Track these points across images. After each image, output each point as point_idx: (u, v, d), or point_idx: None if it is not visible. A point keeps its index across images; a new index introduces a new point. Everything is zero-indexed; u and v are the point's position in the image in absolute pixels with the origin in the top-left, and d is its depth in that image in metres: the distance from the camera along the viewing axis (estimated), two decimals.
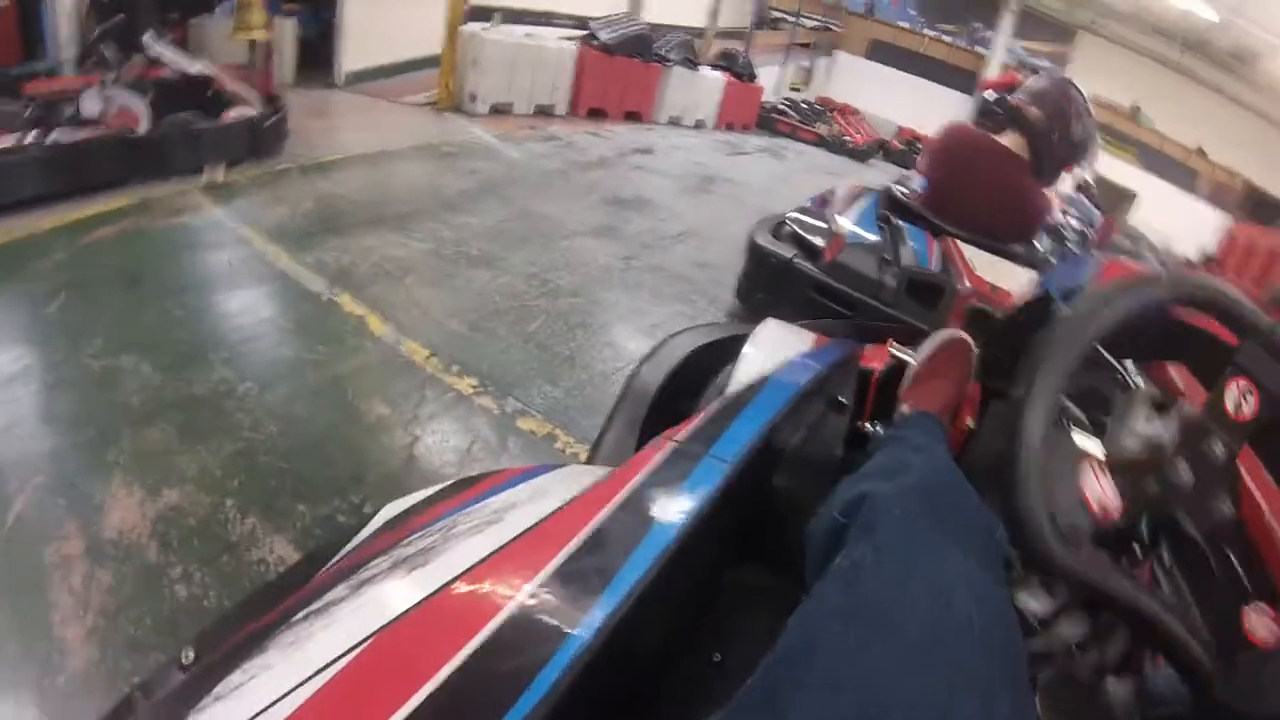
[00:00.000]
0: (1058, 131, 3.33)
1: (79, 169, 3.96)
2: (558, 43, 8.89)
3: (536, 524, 0.84)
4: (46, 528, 1.87)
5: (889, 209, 3.64)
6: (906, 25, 16.75)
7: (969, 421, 1.41)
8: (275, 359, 2.78)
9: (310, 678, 0.63)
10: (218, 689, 0.64)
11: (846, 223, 3.41)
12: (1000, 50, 15.59)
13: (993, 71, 15.25)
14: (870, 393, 1.51)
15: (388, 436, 2.47)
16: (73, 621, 1.64)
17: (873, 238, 3.29)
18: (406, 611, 0.70)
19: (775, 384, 1.29)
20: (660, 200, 6.27)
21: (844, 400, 1.33)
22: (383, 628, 0.68)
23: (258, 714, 0.59)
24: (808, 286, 3.16)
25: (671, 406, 1.64)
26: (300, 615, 0.72)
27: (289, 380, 2.65)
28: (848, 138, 13.26)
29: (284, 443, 2.33)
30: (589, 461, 1.47)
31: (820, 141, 12.94)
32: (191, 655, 0.72)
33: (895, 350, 1.60)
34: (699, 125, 11.31)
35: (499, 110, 8.15)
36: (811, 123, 13.35)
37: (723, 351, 1.83)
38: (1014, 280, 3.07)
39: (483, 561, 0.76)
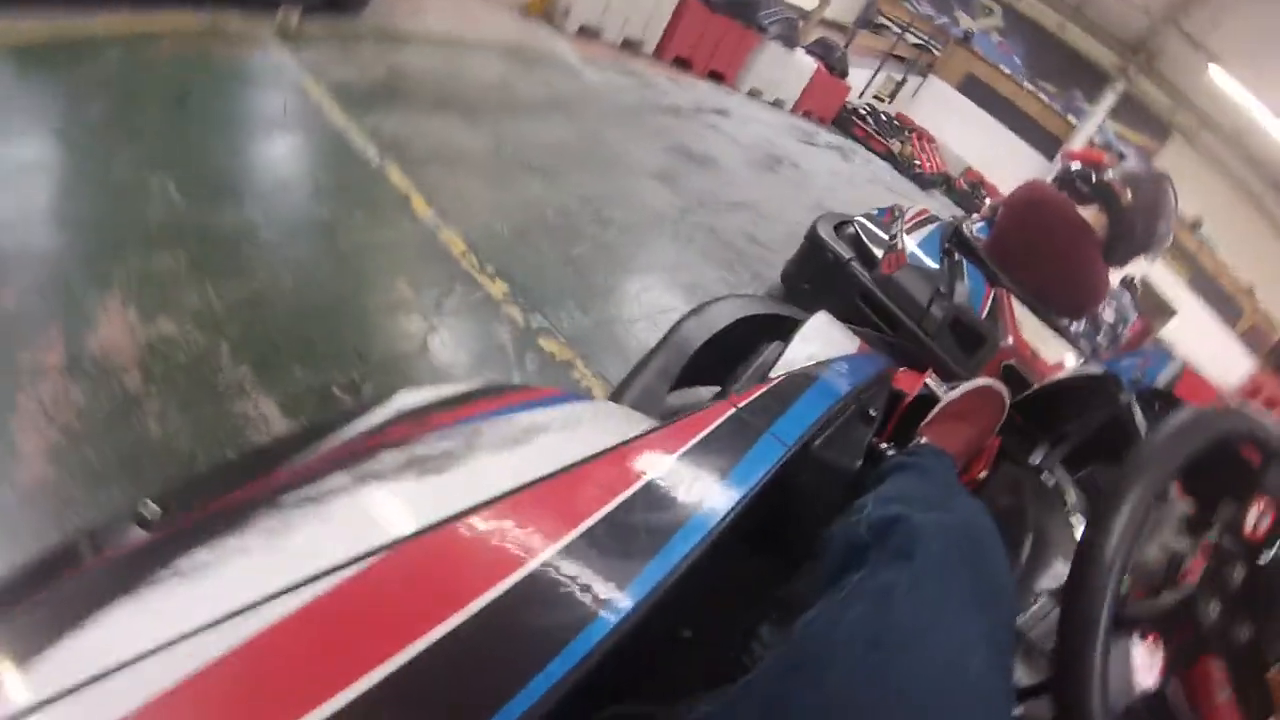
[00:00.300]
0: (1142, 223, 3.32)
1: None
2: None
3: (578, 464, 0.77)
4: (28, 330, 1.72)
5: (954, 243, 3.59)
6: (1007, 70, 16.34)
7: (981, 473, 1.40)
8: (308, 214, 2.65)
9: (293, 587, 0.53)
10: (180, 562, 0.54)
11: (911, 242, 3.33)
12: (1093, 125, 15.24)
13: (1079, 143, 14.96)
14: (896, 415, 1.50)
15: (404, 320, 2.38)
16: (32, 433, 1.52)
17: (933, 265, 3.23)
18: (422, 532, 0.61)
19: (829, 378, 1.28)
20: (726, 165, 6.13)
21: (874, 414, 1.30)
22: (390, 544, 0.59)
23: (225, 618, 0.49)
24: (855, 292, 3.10)
25: (705, 368, 1.62)
26: (290, 498, 0.63)
27: (317, 239, 2.53)
28: (917, 161, 13.02)
29: (296, 300, 2.20)
30: (611, 399, 1.43)
31: (889, 157, 12.70)
32: (154, 510, 0.62)
33: (931, 382, 1.60)
34: (777, 104, 11.06)
35: (587, 32, 7.90)
36: (886, 136, 13.07)
37: (766, 327, 1.82)
38: (1052, 352, 3.06)
39: (515, 492, 0.69)
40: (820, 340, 1.58)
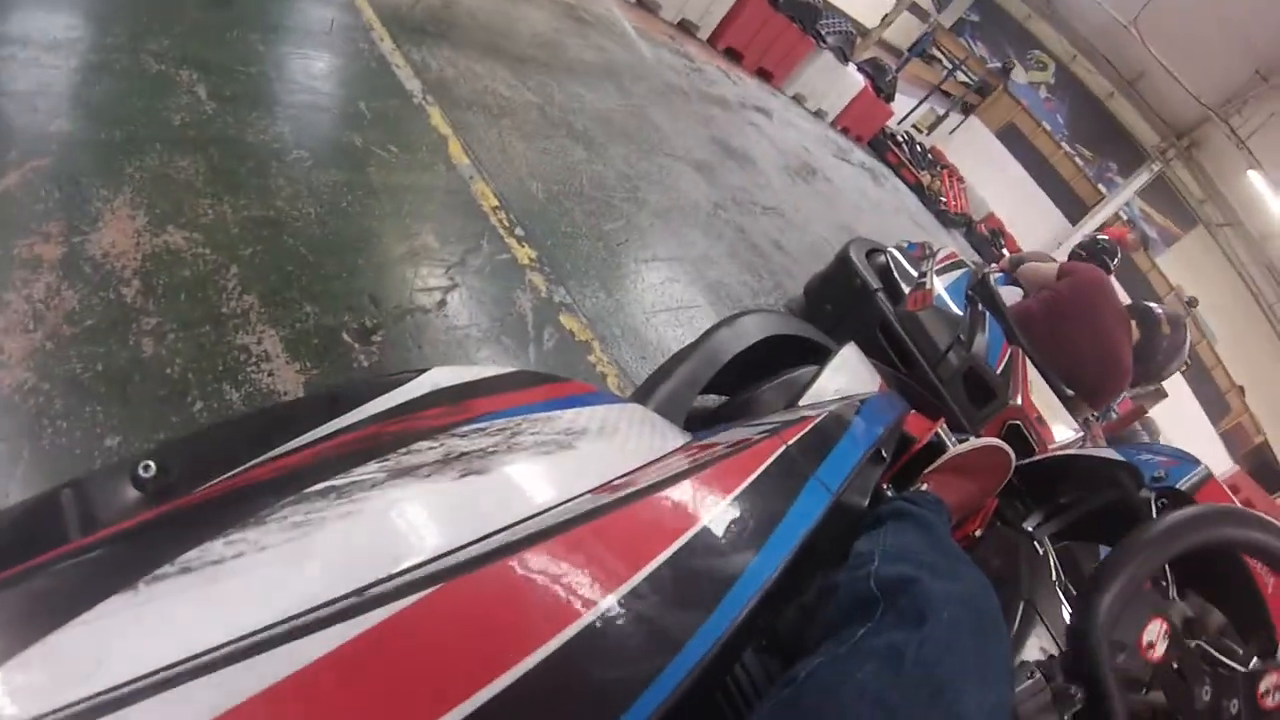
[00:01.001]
0: (1164, 356, 3.68)
1: None
2: None
3: (633, 496, 0.73)
4: (28, 217, 1.57)
5: (978, 293, 3.60)
6: (1048, 127, 16.28)
7: (976, 531, 1.44)
8: (340, 140, 2.49)
9: (330, 611, 0.45)
10: (189, 553, 0.46)
11: (940, 284, 3.30)
12: (1121, 199, 15.22)
13: (1105, 213, 14.99)
14: (904, 458, 1.53)
15: (426, 271, 2.25)
16: (17, 332, 1.38)
17: (957, 311, 3.24)
18: (471, 565, 0.54)
19: (864, 421, 1.29)
20: (762, 166, 6.01)
21: (885, 456, 1.30)
22: (438, 575, 0.52)
23: (247, 637, 0.42)
24: (876, 322, 3.08)
25: (730, 379, 1.64)
26: (315, 486, 0.55)
27: (346, 168, 2.38)
28: (944, 198, 12.94)
29: (316, 231, 2.06)
30: (634, 398, 1.40)
31: (918, 188, 12.62)
32: (152, 470, 0.53)
33: (942, 432, 1.62)
34: (819, 114, 10.93)
35: (646, 4, 7.74)
36: (919, 167, 12.98)
37: (792, 347, 1.87)
38: (1057, 420, 3.09)
39: (570, 525, 0.63)
40: (848, 374, 1.60)
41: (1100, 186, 15.67)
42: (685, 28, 8.32)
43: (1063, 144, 16.07)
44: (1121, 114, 15.08)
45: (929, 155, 14.14)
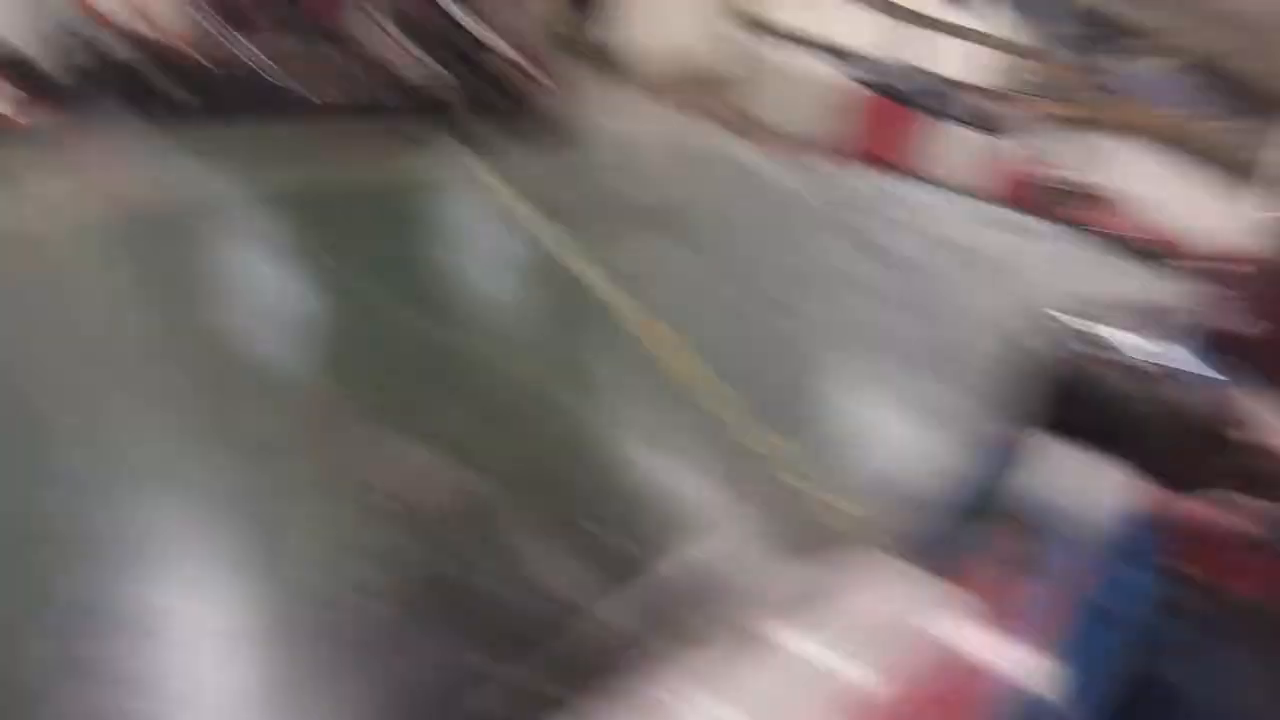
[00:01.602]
0: None
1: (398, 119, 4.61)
2: (838, 75, 8.87)
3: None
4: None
5: (1214, 342, 3.35)
6: (1181, 110, 14.72)
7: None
8: (534, 337, 2.83)
9: None
10: None
11: (1161, 345, 3.16)
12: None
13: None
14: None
15: (655, 466, 2.48)
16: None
17: (1195, 371, 3.04)
18: None
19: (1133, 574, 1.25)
20: (925, 262, 6.10)
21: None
22: None
23: None
24: (1099, 408, 2.96)
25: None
26: None
27: (549, 365, 2.76)
28: (1119, 232, 12.11)
29: (545, 442, 2.39)
30: (902, 555, 1.46)
31: (1090, 229, 11.91)
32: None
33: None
34: (964, 191, 10.84)
35: (770, 129, 8.25)
36: (1082, 208, 12.33)
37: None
38: None
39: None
40: (1084, 486, 1.50)
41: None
42: (807, 140, 8.60)
43: (1200, 121, 14.46)
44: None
45: (1087, 191, 13.39)
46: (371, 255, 3.09)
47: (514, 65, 5.86)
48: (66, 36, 4.42)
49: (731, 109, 8.09)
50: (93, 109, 4.32)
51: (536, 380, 2.70)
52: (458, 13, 5.88)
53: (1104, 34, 15.58)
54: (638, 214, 4.49)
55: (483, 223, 3.67)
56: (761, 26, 8.64)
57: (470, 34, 5.81)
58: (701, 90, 8.31)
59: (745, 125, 8.05)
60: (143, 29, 4.72)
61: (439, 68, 5.35)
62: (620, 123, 6.86)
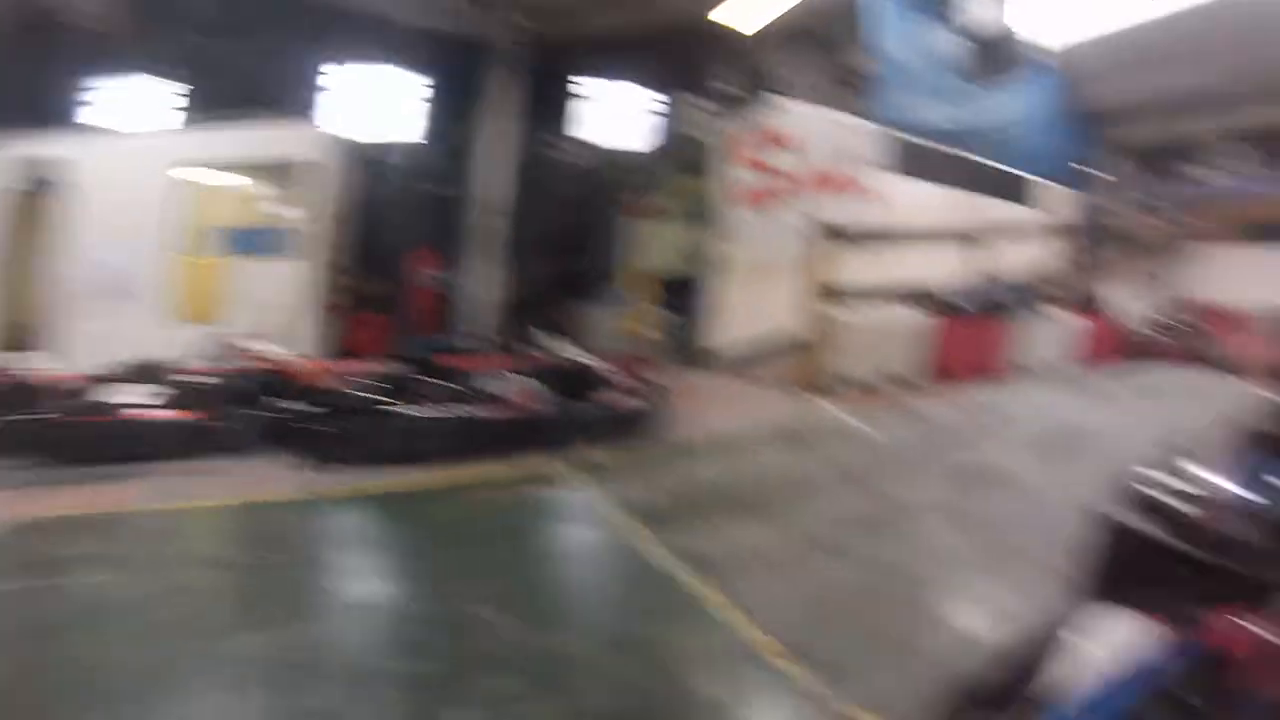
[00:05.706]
0: None
1: (481, 438, 5.23)
2: (911, 314, 9.47)
3: None
4: None
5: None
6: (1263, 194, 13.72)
7: None
8: (627, 636, 3.14)
9: None
10: None
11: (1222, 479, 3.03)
12: None
13: None
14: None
15: None
16: None
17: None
18: None
19: None
20: (1021, 475, 5.85)
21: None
22: None
23: None
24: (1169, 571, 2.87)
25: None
26: None
27: (642, 665, 2.96)
28: (1231, 352, 11.30)
29: None
30: None
31: (1199, 358, 11.33)
32: None
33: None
34: (1058, 372, 10.63)
35: (855, 386, 8.51)
36: (1187, 340, 11.82)
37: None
38: None
39: None
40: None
41: None
42: (898, 383, 9.00)
43: None
44: None
45: (1189, 321, 12.83)
46: (478, 569, 3.66)
47: (613, 384, 6.40)
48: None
49: (821, 373, 8.61)
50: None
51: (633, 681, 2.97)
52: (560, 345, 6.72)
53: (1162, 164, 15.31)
54: (729, 503, 4.85)
55: (588, 538, 4.29)
56: (841, 292, 9.15)
57: (573, 361, 6.49)
58: (792, 363, 8.93)
59: (834, 385, 8.54)
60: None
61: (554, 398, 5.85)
62: (717, 412, 7.46)
